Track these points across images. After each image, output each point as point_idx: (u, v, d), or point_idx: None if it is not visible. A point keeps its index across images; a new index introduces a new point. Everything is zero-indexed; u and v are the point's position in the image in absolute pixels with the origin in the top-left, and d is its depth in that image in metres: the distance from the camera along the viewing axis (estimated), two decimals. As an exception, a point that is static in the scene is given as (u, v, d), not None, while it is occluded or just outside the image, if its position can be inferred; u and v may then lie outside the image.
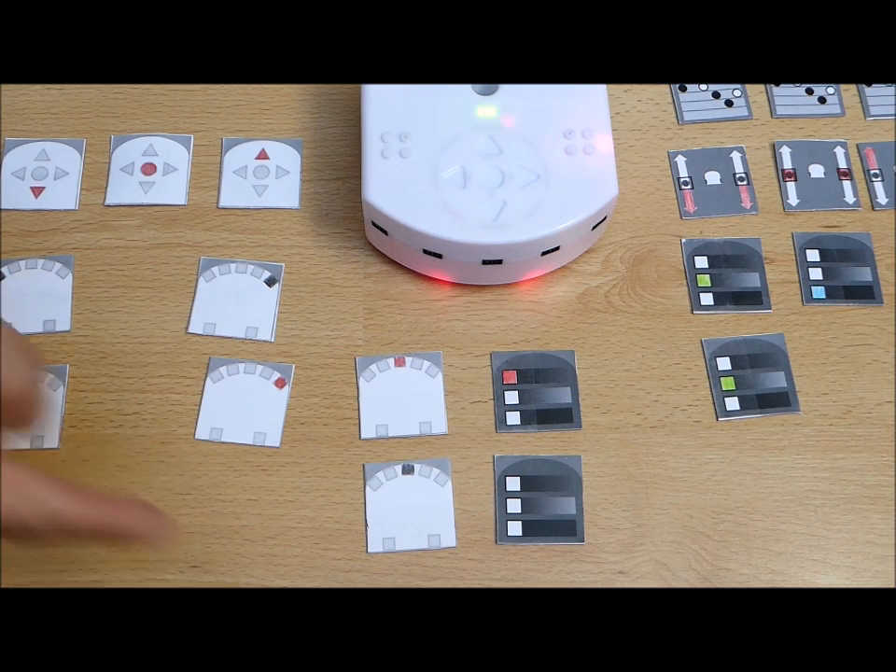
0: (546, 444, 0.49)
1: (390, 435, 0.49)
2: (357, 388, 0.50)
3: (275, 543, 0.47)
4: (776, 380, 0.50)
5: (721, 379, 0.50)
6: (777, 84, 0.57)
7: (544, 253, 0.49)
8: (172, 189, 0.54)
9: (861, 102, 0.57)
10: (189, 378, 0.50)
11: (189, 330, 0.51)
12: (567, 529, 0.47)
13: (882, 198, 0.54)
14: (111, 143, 0.55)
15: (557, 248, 0.50)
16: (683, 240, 0.53)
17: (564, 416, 0.49)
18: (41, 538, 0.34)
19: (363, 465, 0.48)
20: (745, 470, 0.48)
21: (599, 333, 0.51)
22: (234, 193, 0.54)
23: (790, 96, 0.57)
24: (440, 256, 0.49)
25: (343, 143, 0.55)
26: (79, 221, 0.53)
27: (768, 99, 0.57)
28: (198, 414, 0.49)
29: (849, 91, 0.57)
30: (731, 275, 0.52)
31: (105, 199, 0.53)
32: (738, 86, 0.57)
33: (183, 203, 0.54)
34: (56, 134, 0.55)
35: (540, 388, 0.50)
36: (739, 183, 0.55)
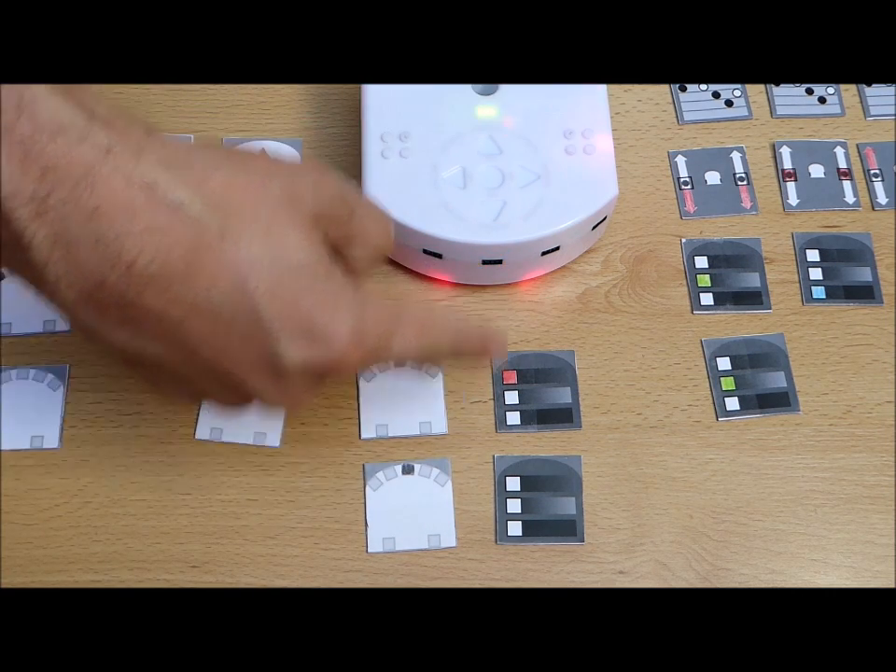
0: (546, 444, 0.49)
1: (390, 435, 0.49)
2: (357, 388, 0.50)
3: (275, 543, 0.47)
4: (776, 380, 0.50)
5: (721, 379, 0.50)
6: (777, 84, 0.57)
7: (544, 253, 0.50)
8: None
9: (861, 102, 0.57)
10: (189, 378, 0.50)
11: (189, 330, 0.51)
12: (567, 529, 0.47)
13: (882, 198, 0.54)
14: (111, 143, 0.55)
15: (557, 248, 0.50)
16: (683, 240, 0.53)
17: (564, 416, 0.49)
18: (439, 359, 0.45)
19: (363, 465, 0.48)
20: (745, 470, 0.48)
21: (599, 333, 0.51)
22: (234, 193, 0.54)
23: (790, 96, 0.57)
24: (440, 256, 0.49)
25: (343, 143, 0.55)
26: (79, 221, 0.53)
27: (768, 99, 0.57)
28: (198, 414, 0.49)
29: (849, 91, 0.57)
30: (731, 275, 0.52)
31: (105, 199, 0.53)
32: (738, 86, 0.57)
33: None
34: (56, 134, 0.55)
35: (540, 388, 0.50)
36: (739, 183, 0.55)
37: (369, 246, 0.41)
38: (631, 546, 0.47)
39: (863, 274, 0.52)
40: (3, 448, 0.48)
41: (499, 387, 0.50)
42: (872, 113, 0.57)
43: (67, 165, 0.32)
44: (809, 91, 0.57)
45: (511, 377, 0.50)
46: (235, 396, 0.39)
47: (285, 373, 0.37)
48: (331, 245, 0.39)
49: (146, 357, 0.36)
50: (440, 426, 0.49)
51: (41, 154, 0.32)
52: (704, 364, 0.50)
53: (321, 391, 0.41)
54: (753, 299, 0.52)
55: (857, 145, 0.56)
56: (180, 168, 0.35)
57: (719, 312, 0.52)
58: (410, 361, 0.43)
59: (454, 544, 0.47)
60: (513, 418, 0.49)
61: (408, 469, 0.48)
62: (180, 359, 0.36)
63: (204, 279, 0.34)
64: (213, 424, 0.49)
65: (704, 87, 0.57)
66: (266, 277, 0.35)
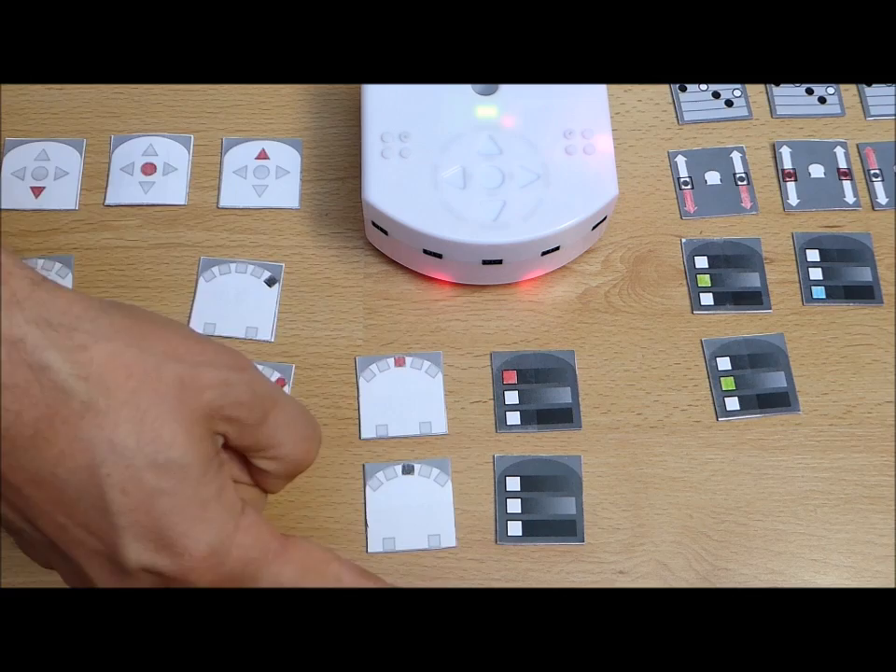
0: (546, 444, 0.49)
1: (390, 435, 0.49)
2: (357, 388, 0.50)
3: (275, 543, 0.46)
4: (776, 380, 0.50)
5: (721, 379, 0.50)
6: (777, 84, 0.57)
7: (544, 253, 0.49)
8: (172, 189, 0.54)
9: (861, 102, 0.57)
10: (189, 378, 0.50)
11: (189, 330, 0.51)
12: (567, 529, 0.47)
13: (882, 198, 0.54)
14: (111, 143, 0.55)
15: (557, 248, 0.50)
16: (683, 240, 0.53)
17: (564, 416, 0.49)
18: None
19: (363, 465, 0.48)
20: (745, 470, 0.48)
21: (599, 333, 0.51)
22: (234, 193, 0.54)
23: (790, 96, 0.57)
24: (440, 256, 0.49)
25: (343, 143, 0.55)
26: (79, 221, 0.53)
27: (768, 99, 0.57)
28: (198, 414, 0.49)
29: (849, 90, 0.57)
30: (731, 275, 0.52)
31: (104, 199, 0.53)
32: (738, 86, 0.57)
33: (183, 203, 0.54)
34: (56, 134, 0.55)
35: (540, 388, 0.50)
36: (739, 183, 0.55)
37: (280, 461, 0.37)
38: (631, 546, 0.47)
39: (863, 274, 0.52)
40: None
41: (499, 387, 0.50)
42: (872, 113, 0.57)
43: None
44: (809, 91, 0.57)
45: (511, 377, 0.50)
46: (76, 578, 0.36)
47: (124, 571, 0.34)
48: (237, 449, 0.36)
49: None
50: (440, 426, 0.49)
51: None
52: (704, 364, 0.50)
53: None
54: (753, 299, 0.52)
55: (857, 145, 0.56)
56: (58, 329, 0.32)
57: (719, 312, 0.52)
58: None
59: (454, 544, 0.47)
60: (513, 418, 0.49)
61: (408, 469, 0.48)
62: (22, 526, 0.34)
63: (52, 452, 0.32)
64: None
65: (704, 87, 0.57)
66: (123, 467, 0.32)
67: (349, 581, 0.37)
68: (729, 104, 0.57)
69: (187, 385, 0.33)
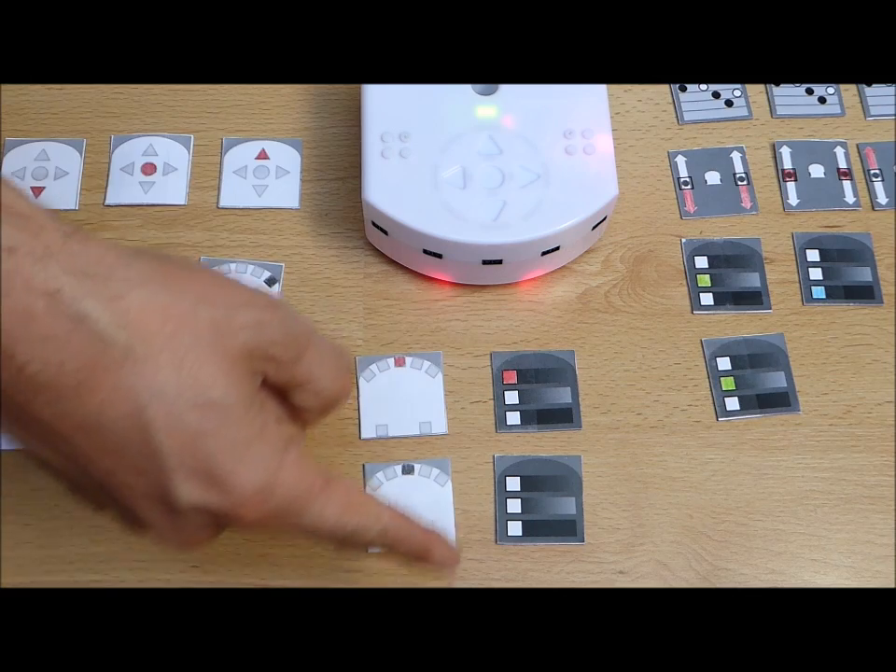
0: (546, 444, 0.49)
1: (390, 435, 0.49)
2: (357, 388, 0.50)
3: (275, 543, 0.46)
4: (776, 380, 0.50)
5: (721, 379, 0.50)
6: (777, 84, 0.57)
7: (544, 253, 0.49)
8: (172, 189, 0.54)
9: (861, 102, 0.57)
10: (189, 378, 0.50)
11: (189, 330, 0.51)
12: (567, 529, 0.47)
13: (882, 198, 0.54)
14: (111, 143, 0.55)
15: (557, 248, 0.50)
16: (683, 240, 0.53)
17: (564, 416, 0.49)
18: (365, 547, 0.40)
19: (363, 465, 0.48)
20: (745, 470, 0.48)
21: (599, 333, 0.51)
22: (234, 193, 0.54)
23: (790, 96, 0.57)
24: (440, 256, 0.49)
25: (343, 143, 0.55)
26: (79, 221, 0.53)
27: (768, 99, 0.57)
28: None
29: (849, 90, 0.57)
30: (731, 275, 0.52)
31: (104, 199, 0.53)
32: (738, 86, 0.57)
33: (183, 202, 0.54)
34: (56, 134, 0.55)
35: (540, 388, 0.50)
36: (739, 183, 0.55)
37: (317, 396, 0.38)
38: (631, 546, 0.47)
39: (863, 274, 0.52)
40: (3, 448, 0.48)
41: (499, 387, 0.50)
42: (872, 113, 0.57)
43: None
44: (809, 91, 0.57)
45: (511, 377, 0.50)
46: (128, 520, 0.37)
47: (176, 511, 0.35)
48: (275, 387, 0.37)
49: (44, 460, 0.35)
50: (440, 426, 0.49)
51: None
52: (704, 364, 0.50)
53: (220, 536, 0.38)
54: (753, 299, 0.52)
55: (857, 145, 0.56)
56: (94, 279, 0.32)
57: (719, 312, 0.52)
58: (326, 538, 0.38)
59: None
60: (513, 418, 0.49)
61: (408, 469, 0.48)
62: (73, 472, 0.35)
63: (96, 400, 0.32)
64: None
65: (704, 87, 0.57)
66: (167, 410, 0.33)
67: (387, 519, 0.38)
68: (729, 104, 0.57)
69: (222, 326, 0.34)
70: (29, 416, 0.33)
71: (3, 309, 0.31)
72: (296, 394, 0.38)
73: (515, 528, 0.47)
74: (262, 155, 0.55)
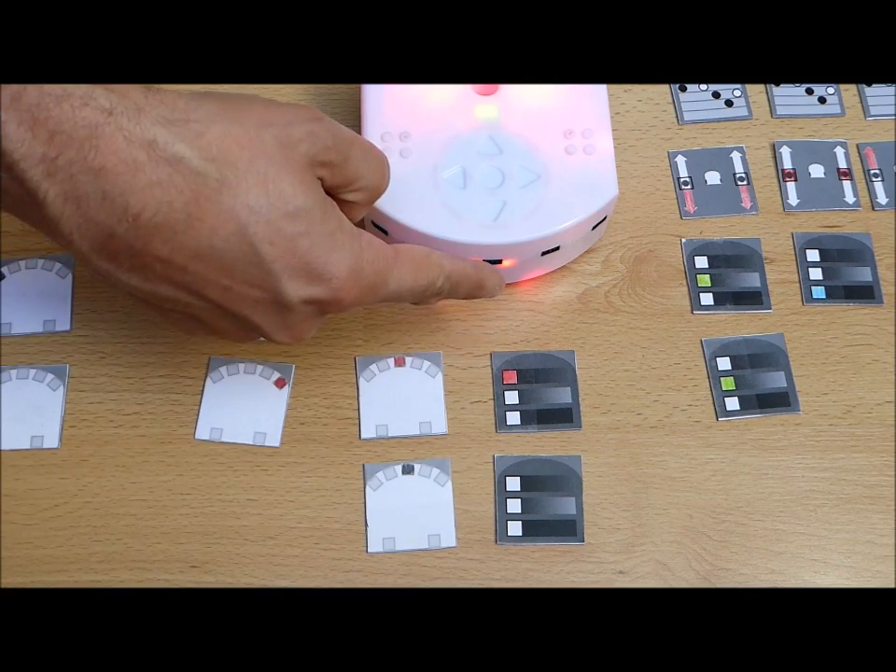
0: (546, 444, 0.49)
1: (390, 435, 0.49)
2: (357, 388, 0.50)
3: (275, 543, 0.47)
4: (776, 380, 0.50)
5: (721, 379, 0.50)
6: (777, 84, 0.57)
7: (544, 253, 0.49)
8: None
9: (861, 102, 0.57)
10: (189, 378, 0.50)
11: (189, 330, 0.51)
12: (567, 529, 0.47)
13: (882, 198, 0.54)
14: (111, 143, 0.55)
15: (557, 248, 0.50)
16: (683, 240, 0.53)
17: (564, 416, 0.49)
18: (436, 296, 0.46)
19: (363, 465, 0.48)
20: (745, 470, 0.48)
21: (599, 333, 0.51)
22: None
23: (790, 96, 0.57)
24: (440, 256, 0.49)
25: (343, 143, 0.55)
26: (79, 221, 0.53)
27: (768, 99, 0.57)
28: (198, 414, 0.49)
29: (849, 90, 0.57)
30: (731, 275, 0.52)
31: (105, 199, 0.53)
32: (738, 86, 0.57)
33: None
34: (56, 134, 0.55)
35: (540, 388, 0.50)
36: (739, 183, 0.55)
37: (365, 189, 0.43)
38: (631, 546, 0.47)
39: (863, 274, 0.52)
40: (3, 448, 0.48)
41: (499, 387, 0.50)
42: (872, 113, 0.57)
43: (73, 128, 0.35)
44: (809, 91, 0.57)
45: (511, 377, 0.50)
46: (243, 331, 0.42)
47: (287, 309, 0.40)
48: (329, 189, 0.41)
49: (158, 298, 0.39)
50: (440, 426, 0.49)
51: (48, 119, 0.34)
52: (704, 364, 0.50)
53: (323, 325, 0.44)
54: (753, 299, 0.52)
55: (857, 145, 0.56)
56: (178, 124, 0.37)
57: (719, 312, 0.52)
58: (407, 298, 0.45)
59: (454, 544, 0.47)
60: (513, 418, 0.49)
61: (408, 469, 0.48)
62: (189, 300, 0.39)
63: (205, 227, 0.37)
64: (213, 424, 0.49)
65: (704, 87, 0.57)
66: (264, 223, 0.38)
67: (449, 266, 0.45)
68: (729, 104, 0.57)
69: (284, 143, 0.39)
70: (148, 257, 0.37)
71: (113, 165, 0.35)
72: (347, 192, 0.42)
73: (515, 528, 0.47)
74: (262, 155, 0.55)
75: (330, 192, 0.42)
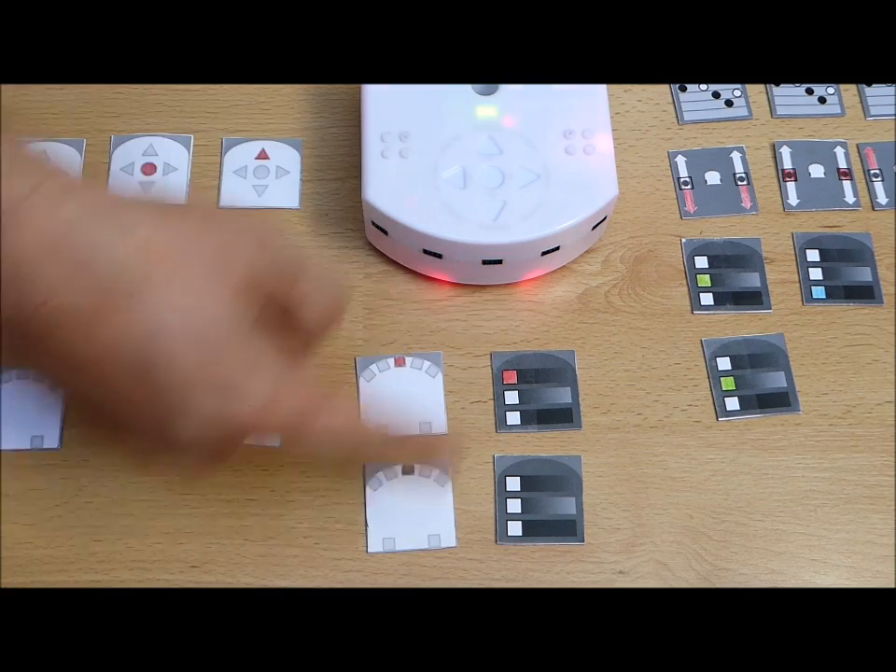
0: (546, 444, 0.49)
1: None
2: (357, 388, 0.50)
3: (275, 543, 0.47)
4: (776, 380, 0.50)
5: (721, 379, 0.50)
6: (777, 84, 0.57)
7: (544, 253, 0.50)
8: (172, 190, 0.54)
9: (861, 102, 0.57)
10: (189, 378, 0.50)
11: (189, 330, 0.51)
12: (567, 529, 0.47)
13: (882, 198, 0.54)
14: (111, 143, 0.55)
15: (557, 248, 0.50)
16: (683, 240, 0.53)
17: (564, 416, 0.49)
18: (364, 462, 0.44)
19: (363, 465, 0.48)
20: (745, 470, 0.48)
21: (599, 333, 0.51)
22: (234, 193, 0.54)
23: (790, 96, 0.57)
24: (440, 256, 0.49)
25: (343, 143, 0.55)
26: (79, 221, 0.53)
27: (768, 99, 0.57)
28: (198, 414, 0.49)
29: (849, 90, 0.57)
30: (731, 275, 0.52)
31: (105, 199, 0.53)
32: (738, 86, 0.57)
33: (183, 202, 0.53)
34: (56, 134, 0.55)
35: (540, 388, 0.50)
36: (739, 183, 0.55)
37: (316, 315, 0.41)
38: (631, 546, 0.47)
39: (863, 274, 0.52)
40: (3, 448, 0.48)
41: (499, 387, 0.50)
42: (872, 113, 0.57)
43: None
44: (809, 91, 0.57)
45: (511, 377, 0.50)
46: (153, 442, 0.39)
47: (196, 426, 0.36)
48: (281, 307, 0.39)
49: (63, 388, 0.38)
50: (440, 426, 0.49)
51: None
52: (704, 364, 0.50)
53: (226, 461, 0.40)
54: (753, 299, 0.52)
55: (857, 145, 0.56)
56: (105, 215, 0.35)
57: (719, 312, 0.52)
58: (327, 451, 0.40)
59: (454, 544, 0.47)
60: (513, 418, 0.49)
61: (408, 469, 0.48)
62: (96, 398, 0.37)
63: (114, 329, 0.34)
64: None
65: (704, 87, 0.57)
66: (181, 331, 0.35)
67: (384, 436, 0.42)
68: (729, 104, 0.57)
69: (221, 255, 0.36)
70: (48, 347, 0.35)
71: (27, 244, 0.33)
72: (300, 309, 0.40)
73: (515, 528, 0.47)
74: (262, 155, 0.55)
75: (284, 309, 0.40)
